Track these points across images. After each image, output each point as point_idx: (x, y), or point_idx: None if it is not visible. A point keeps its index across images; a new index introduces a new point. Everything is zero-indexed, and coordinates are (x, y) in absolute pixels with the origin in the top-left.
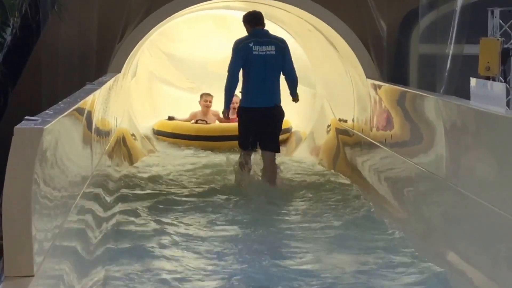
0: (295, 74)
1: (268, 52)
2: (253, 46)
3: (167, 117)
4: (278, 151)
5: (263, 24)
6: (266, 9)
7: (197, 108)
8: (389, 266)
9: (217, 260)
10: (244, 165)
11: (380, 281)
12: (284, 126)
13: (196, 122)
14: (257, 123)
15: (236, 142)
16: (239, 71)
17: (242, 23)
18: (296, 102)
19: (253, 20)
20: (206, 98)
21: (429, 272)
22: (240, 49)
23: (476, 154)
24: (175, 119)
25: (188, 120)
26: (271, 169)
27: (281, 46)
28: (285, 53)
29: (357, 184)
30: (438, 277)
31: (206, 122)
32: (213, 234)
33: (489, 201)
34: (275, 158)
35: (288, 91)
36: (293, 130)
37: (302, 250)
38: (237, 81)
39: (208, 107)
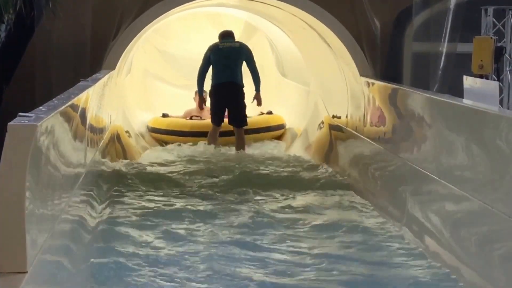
0: (257, 71)
1: (232, 45)
2: (219, 44)
3: (161, 115)
4: (244, 125)
5: (229, 36)
6: (260, 7)
7: (192, 105)
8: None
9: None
10: (213, 138)
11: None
12: (278, 122)
13: (191, 118)
14: (225, 98)
15: (231, 138)
16: (206, 67)
17: (236, 20)
18: (259, 104)
19: (222, 35)
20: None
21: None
22: (208, 50)
23: (467, 152)
24: (170, 117)
25: (183, 118)
26: (239, 141)
27: (244, 45)
28: (248, 52)
29: (349, 178)
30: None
31: (201, 118)
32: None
33: (481, 199)
34: (243, 132)
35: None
36: (287, 127)
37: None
38: (205, 73)
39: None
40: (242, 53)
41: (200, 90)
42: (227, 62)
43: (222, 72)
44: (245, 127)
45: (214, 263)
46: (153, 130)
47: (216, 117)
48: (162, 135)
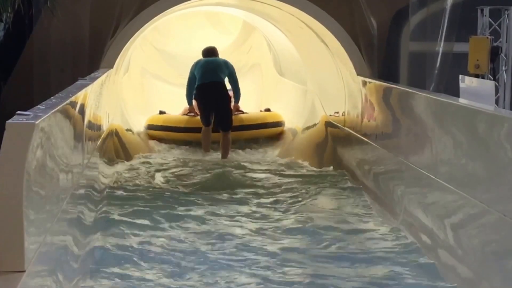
0: (239, 88)
1: (216, 59)
2: (203, 58)
3: (158, 112)
4: (230, 128)
5: (213, 53)
6: (258, 6)
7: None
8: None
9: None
10: (206, 141)
11: None
12: (275, 119)
13: (187, 114)
14: (210, 97)
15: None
16: (193, 81)
17: (234, 19)
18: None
19: (206, 51)
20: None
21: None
22: (194, 64)
23: (463, 151)
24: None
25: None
26: (224, 148)
27: (227, 61)
28: (232, 67)
29: (346, 173)
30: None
31: (196, 114)
32: None
33: (478, 198)
34: (229, 137)
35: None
36: (289, 127)
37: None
38: (193, 88)
39: None
40: (226, 66)
41: (190, 101)
42: (211, 68)
43: (205, 74)
44: (240, 124)
45: None
46: (150, 127)
47: (204, 118)
48: (158, 131)
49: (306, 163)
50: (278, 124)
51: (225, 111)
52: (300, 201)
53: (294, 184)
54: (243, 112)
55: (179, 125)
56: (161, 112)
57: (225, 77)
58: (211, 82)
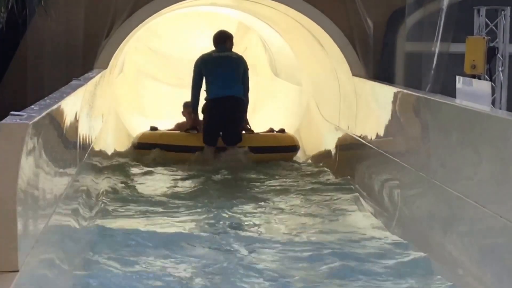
0: (248, 86)
1: (228, 55)
2: (213, 53)
3: (149, 128)
4: (238, 142)
5: (225, 43)
6: (253, 6)
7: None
8: None
9: None
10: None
11: None
12: (289, 143)
13: (186, 131)
14: (221, 116)
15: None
16: (199, 81)
17: (229, 20)
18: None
19: (216, 38)
20: (189, 110)
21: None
22: (199, 60)
23: (460, 152)
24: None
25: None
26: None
27: (242, 57)
28: (246, 66)
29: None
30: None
31: (198, 131)
32: None
33: (475, 199)
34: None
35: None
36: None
37: None
38: (200, 87)
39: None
40: (240, 65)
41: (195, 106)
42: (224, 73)
43: (218, 84)
44: (248, 145)
45: None
46: (141, 146)
47: (209, 137)
48: (151, 150)
49: None
50: (292, 149)
51: (235, 124)
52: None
53: None
54: (251, 131)
55: (180, 144)
56: (153, 128)
57: (241, 77)
58: (225, 98)
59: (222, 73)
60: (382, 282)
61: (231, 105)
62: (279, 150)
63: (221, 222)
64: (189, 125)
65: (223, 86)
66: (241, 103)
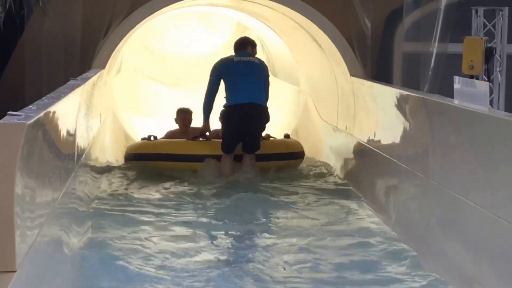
0: (268, 93)
1: (250, 60)
2: (234, 57)
3: (141, 139)
4: (257, 150)
5: (246, 48)
6: (251, 6)
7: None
8: None
9: None
10: (228, 168)
11: None
12: (295, 149)
13: (194, 139)
14: (242, 124)
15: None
16: (217, 86)
17: (227, 20)
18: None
19: (238, 44)
20: (183, 116)
21: None
22: (219, 64)
23: (458, 152)
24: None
25: (146, 139)
26: (248, 163)
27: (264, 63)
28: (267, 72)
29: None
30: None
31: (207, 138)
32: None
33: (473, 200)
34: (254, 159)
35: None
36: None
37: None
38: (215, 94)
39: (187, 125)
40: (263, 71)
41: (209, 114)
42: (246, 79)
43: (240, 90)
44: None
45: None
46: (137, 157)
47: (229, 145)
48: (153, 162)
49: None
50: (297, 155)
51: (257, 133)
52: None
53: None
54: (267, 138)
55: (185, 153)
56: (146, 138)
57: (264, 85)
58: (247, 105)
59: (244, 78)
60: None
61: (255, 112)
62: (286, 157)
63: None
64: (199, 132)
65: (246, 92)
66: (264, 110)
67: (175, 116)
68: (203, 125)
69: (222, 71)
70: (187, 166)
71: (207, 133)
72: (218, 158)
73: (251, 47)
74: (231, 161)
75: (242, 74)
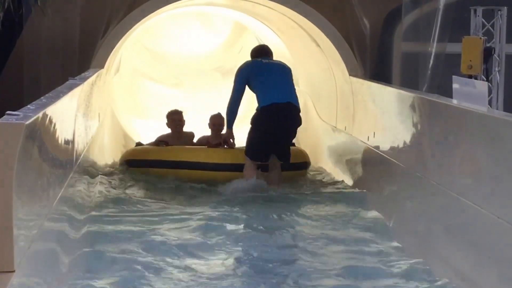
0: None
1: (276, 62)
2: (261, 59)
3: (135, 145)
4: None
5: (268, 54)
6: (249, 6)
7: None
8: None
9: None
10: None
11: None
12: (299, 159)
13: (215, 145)
14: (278, 126)
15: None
16: (243, 91)
17: (225, 19)
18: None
19: (258, 51)
20: (173, 117)
21: None
22: (245, 66)
23: (457, 152)
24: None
25: (155, 145)
26: (276, 176)
27: (286, 65)
28: (291, 72)
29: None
30: None
31: (227, 145)
32: None
33: (469, 198)
34: (280, 166)
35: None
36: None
37: None
38: (241, 98)
39: (179, 126)
40: (291, 73)
41: (233, 120)
42: (280, 78)
43: (274, 90)
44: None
45: None
46: (134, 163)
47: (256, 153)
48: (153, 168)
49: None
50: (301, 166)
51: (290, 144)
52: None
53: None
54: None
55: (191, 160)
56: (139, 144)
57: (292, 78)
58: (284, 104)
59: (279, 77)
60: None
61: (291, 113)
62: (293, 167)
63: None
64: (172, 137)
65: (283, 91)
66: (299, 114)
67: (166, 120)
68: (226, 132)
69: (252, 71)
70: (209, 175)
71: (231, 140)
72: (229, 168)
73: (271, 55)
74: (255, 167)
75: (276, 74)
